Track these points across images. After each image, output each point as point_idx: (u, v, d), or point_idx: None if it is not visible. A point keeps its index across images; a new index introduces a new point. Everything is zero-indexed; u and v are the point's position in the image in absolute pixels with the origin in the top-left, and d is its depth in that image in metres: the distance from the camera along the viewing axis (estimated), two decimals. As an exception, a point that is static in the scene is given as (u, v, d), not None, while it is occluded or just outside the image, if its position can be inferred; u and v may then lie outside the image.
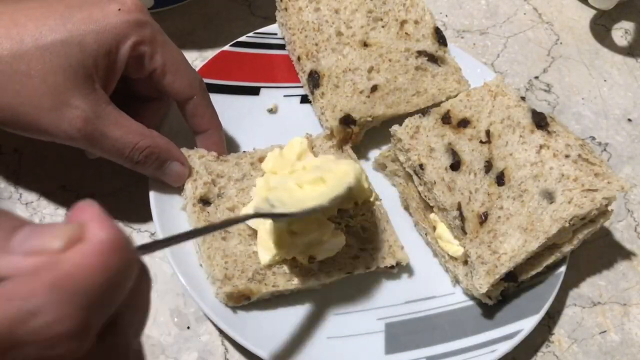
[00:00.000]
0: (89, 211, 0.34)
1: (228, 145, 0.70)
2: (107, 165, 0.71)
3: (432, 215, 0.68)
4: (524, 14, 0.94)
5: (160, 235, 0.62)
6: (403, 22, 0.78)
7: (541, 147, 0.67)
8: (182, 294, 0.64)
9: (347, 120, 0.71)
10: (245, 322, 0.60)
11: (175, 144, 0.64)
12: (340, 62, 0.74)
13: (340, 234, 0.63)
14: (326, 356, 0.60)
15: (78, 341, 0.29)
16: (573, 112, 0.85)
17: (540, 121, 0.69)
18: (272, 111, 0.75)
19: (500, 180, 0.66)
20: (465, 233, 0.64)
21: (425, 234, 0.69)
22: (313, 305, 0.63)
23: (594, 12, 0.95)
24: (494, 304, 0.64)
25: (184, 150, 0.67)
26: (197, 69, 0.73)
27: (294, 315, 0.62)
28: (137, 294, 0.34)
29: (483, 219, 0.64)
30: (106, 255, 0.31)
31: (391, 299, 0.65)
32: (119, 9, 0.58)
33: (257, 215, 0.56)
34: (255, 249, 0.62)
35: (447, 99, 0.74)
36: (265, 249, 0.62)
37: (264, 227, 0.62)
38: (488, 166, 0.67)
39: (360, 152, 0.74)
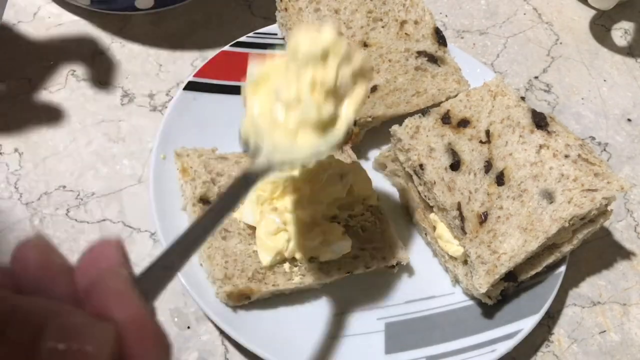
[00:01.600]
0: (125, 303, 0.29)
1: (228, 145, 0.70)
2: (108, 165, 0.71)
3: (432, 215, 0.68)
4: (524, 14, 0.94)
5: (160, 235, 0.62)
6: (403, 23, 0.78)
7: (541, 147, 0.67)
8: (182, 294, 0.64)
9: (347, 120, 0.71)
10: (245, 322, 0.60)
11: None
12: (340, 62, 0.74)
13: (347, 238, 0.63)
14: (326, 356, 0.60)
15: None
16: (573, 112, 0.85)
17: (540, 121, 0.69)
18: (272, 111, 0.75)
19: (500, 180, 0.66)
20: (465, 233, 0.64)
21: (425, 234, 0.69)
22: (313, 305, 0.63)
23: (593, 12, 0.95)
24: (494, 303, 0.64)
25: (182, 149, 0.67)
26: (197, 69, 0.73)
27: (294, 315, 0.62)
28: None
29: (483, 218, 0.64)
30: None
31: (391, 299, 0.65)
32: None
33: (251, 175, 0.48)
34: (255, 248, 0.63)
35: (447, 99, 0.74)
36: (265, 250, 0.62)
37: (262, 228, 0.62)
38: (488, 166, 0.67)
39: (360, 152, 0.74)
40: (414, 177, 0.68)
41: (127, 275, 0.30)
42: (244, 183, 0.47)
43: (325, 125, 0.50)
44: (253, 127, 0.50)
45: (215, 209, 0.44)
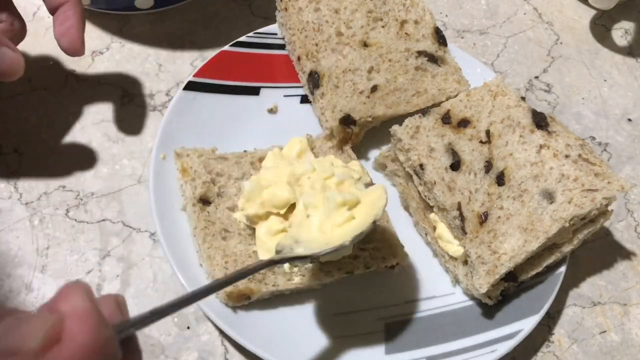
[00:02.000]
0: (72, 300, 0.33)
1: (228, 145, 0.70)
2: (107, 165, 0.71)
3: (432, 215, 0.68)
4: (524, 14, 0.94)
5: (160, 236, 0.62)
6: (403, 22, 0.78)
7: (541, 147, 0.67)
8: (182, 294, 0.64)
9: (347, 121, 0.71)
10: (245, 322, 0.60)
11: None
12: (340, 62, 0.74)
13: None
14: (326, 356, 0.60)
15: None
16: (573, 112, 0.85)
17: (540, 121, 0.69)
18: (272, 111, 0.75)
19: (500, 180, 0.66)
20: (465, 233, 0.64)
21: (425, 234, 0.69)
22: (313, 305, 0.63)
23: (594, 12, 0.95)
24: (494, 304, 0.64)
25: (182, 149, 0.67)
26: (197, 69, 0.73)
27: (294, 315, 0.62)
28: None
29: (483, 219, 0.64)
30: None
31: (391, 299, 0.65)
32: None
33: (274, 262, 0.55)
34: (255, 249, 0.62)
35: (447, 99, 0.74)
36: (265, 251, 0.62)
37: (262, 228, 0.62)
38: (488, 166, 0.67)
39: (360, 152, 0.74)
40: (414, 177, 0.68)
41: (87, 287, 0.34)
42: (266, 264, 0.55)
43: (347, 219, 0.58)
44: (289, 239, 0.57)
45: (230, 279, 0.51)
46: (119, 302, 0.39)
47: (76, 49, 0.63)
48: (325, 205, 0.58)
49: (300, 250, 0.56)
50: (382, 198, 0.58)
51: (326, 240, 0.56)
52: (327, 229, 0.57)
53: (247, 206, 0.63)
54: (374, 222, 0.57)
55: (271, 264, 0.55)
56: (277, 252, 0.56)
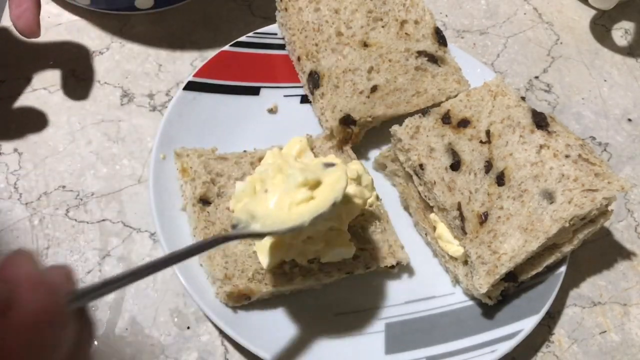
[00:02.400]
0: (21, 267, 0.32)
1: (228, 145, 0.70)
2: (107, 165, 0.71)
3: (432, 215, 0.68)
4: (524, 14, 0.94)
5: (160, 236, 0.62)
6: (403, 22, 0.78)
7: (541, 147, 0.67)
8: (182, 294, 0.64)
9: (347, 121, 0.71)
10: (245, 322, 0.60)
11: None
12: (340, 62, 0.74)
13: (352, 245, 0.63)
14: (326, 356, 0.60)
15: None
16: (573, 112, 0.85)
17: (540, 121, 0.69)
18: (272, 111, 0.75)
19: (500, 180, 0.66)
20: (465, 233, 0.64)
21: (425, 234, 0.69)
22: (313, 305, 0.63)
23: (594, 12, 0.95)
24: (494, 304, 0.64)
25: (182, 149, 0.67)
26: (197, 69, 0.73)
27: (294, 315, 0.62)
28: (77, 351, 0.33)
29: (483, 219, 0.64)
30: (32, 331, 0.30)
31: (391, 299, 0.65)
32: None
33: (228, 238, 0.53)
34: (255, 249, 0.62)
35: (447, 99, 0.74)
36: (265, 252, 0.61)
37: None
38: (488, 166, 0.67)
39: (360, 152, 0.74)
40: (414, 177, 0.68)
41: (33, 255, 0.34)
42: (219, 241, 0.52)
43: (307, 198, 0.56)
44: (245, 213, 0.55)
45: (180, 253, 0.48)
46: (67, 273, 0.38)
47: (32, 31, 0.64)
48: (286, 183, 0.56)
49: (256, 227, 0.54)
50: (342, 179, 0.57)
51: (283, 218, 0.55)
52: (284, 205, 0.55)
53: (238, 207, 0.62)
54: (334, 204, 0.56)
55: (226, 240, 0.53)
56: (233, 226, 0.54)
